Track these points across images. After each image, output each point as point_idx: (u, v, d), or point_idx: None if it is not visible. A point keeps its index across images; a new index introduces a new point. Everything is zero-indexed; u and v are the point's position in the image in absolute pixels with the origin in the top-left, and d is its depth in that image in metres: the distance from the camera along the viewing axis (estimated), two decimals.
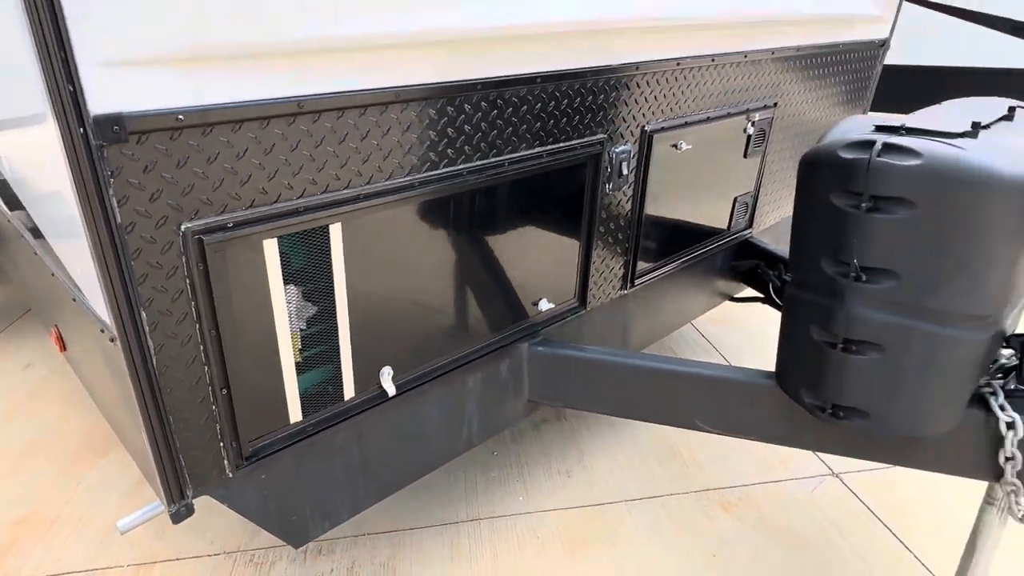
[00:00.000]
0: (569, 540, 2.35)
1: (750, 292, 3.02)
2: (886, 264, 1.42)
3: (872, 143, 1.39)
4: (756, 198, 2.80)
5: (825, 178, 1.48)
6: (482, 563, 2.24)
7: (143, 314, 1.17)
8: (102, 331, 1.29)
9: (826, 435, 1.76)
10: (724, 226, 2.69)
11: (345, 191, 1.38)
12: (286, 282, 1.36)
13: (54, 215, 1.39)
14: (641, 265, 2.32)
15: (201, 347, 1.28)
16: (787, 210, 3.12)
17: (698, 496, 2.57)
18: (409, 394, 1.73)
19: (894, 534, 2.38)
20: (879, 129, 1.48)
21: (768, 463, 2.74)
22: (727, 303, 3.11)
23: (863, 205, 1.40)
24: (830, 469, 2.71)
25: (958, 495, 2.49)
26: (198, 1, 1.06)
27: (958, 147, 1.36)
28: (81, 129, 1.00)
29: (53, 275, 1.70)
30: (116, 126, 1.03)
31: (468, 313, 1.81)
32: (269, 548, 2.33)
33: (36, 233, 1.79)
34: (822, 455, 2.78)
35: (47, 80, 0.97)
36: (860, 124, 1.55)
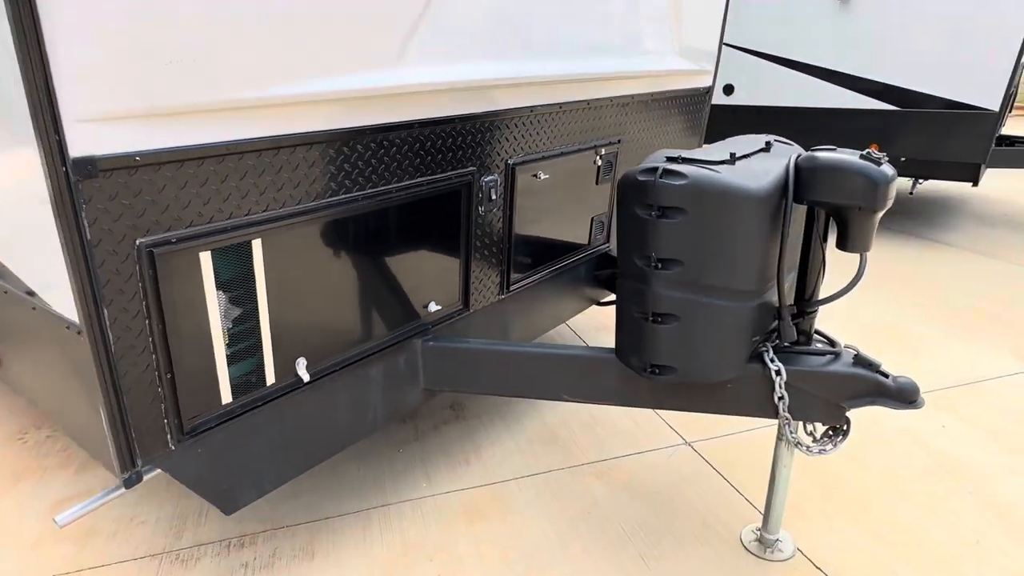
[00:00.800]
0: (468, 514, 2.73)
1: (613, 297, 3.58)
2: (673, 255, 1.96)
3: (657, 169, 1.93)
4: (611, 217, 3.37)
5: (630, 195, 2.01)
6: (393, 540, 2.58)
7: (106, 311, 1.49)
8: (68, 328, 1.59)
9: (655, 393, 2.28)
10: (585, 241, 3.24)
11: (264, 213, 1.76)
12: (218, 287, 1.71)
13: (26, 239, 1.67)
14: (514, 274, 2.80)
15: (150, 338, 1.60)
16: None
17: (575, 470, 3.03)
18: (321, 381, 2.09)
19: (729, 482, 2.93)
20: (668, 159, 2.03)
21: (634, 438, 3.25)
22: (595, 307, 3.66)
23: (653, 213, 1.94)
24: (684, 439, 3.26)
25: None
26: (148, 77, 1.43)
27: (714, 171, 1.92)
28: (63, 168, 1.34)
29: (6, 292, 1.94)
30: (90, 165, 1.38)
31: (369, 313, 2.20)
32: (194, 547, 2.54)
33: None
34: (678, 430, 3.33)
35: (38, 132, 1.31)
36: (658, 156, 2.10)
